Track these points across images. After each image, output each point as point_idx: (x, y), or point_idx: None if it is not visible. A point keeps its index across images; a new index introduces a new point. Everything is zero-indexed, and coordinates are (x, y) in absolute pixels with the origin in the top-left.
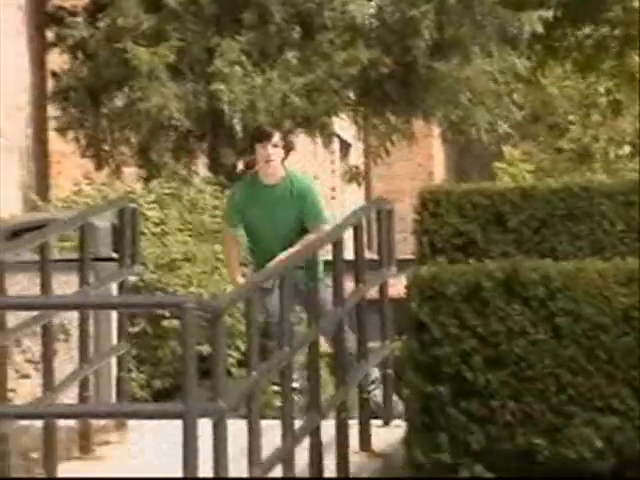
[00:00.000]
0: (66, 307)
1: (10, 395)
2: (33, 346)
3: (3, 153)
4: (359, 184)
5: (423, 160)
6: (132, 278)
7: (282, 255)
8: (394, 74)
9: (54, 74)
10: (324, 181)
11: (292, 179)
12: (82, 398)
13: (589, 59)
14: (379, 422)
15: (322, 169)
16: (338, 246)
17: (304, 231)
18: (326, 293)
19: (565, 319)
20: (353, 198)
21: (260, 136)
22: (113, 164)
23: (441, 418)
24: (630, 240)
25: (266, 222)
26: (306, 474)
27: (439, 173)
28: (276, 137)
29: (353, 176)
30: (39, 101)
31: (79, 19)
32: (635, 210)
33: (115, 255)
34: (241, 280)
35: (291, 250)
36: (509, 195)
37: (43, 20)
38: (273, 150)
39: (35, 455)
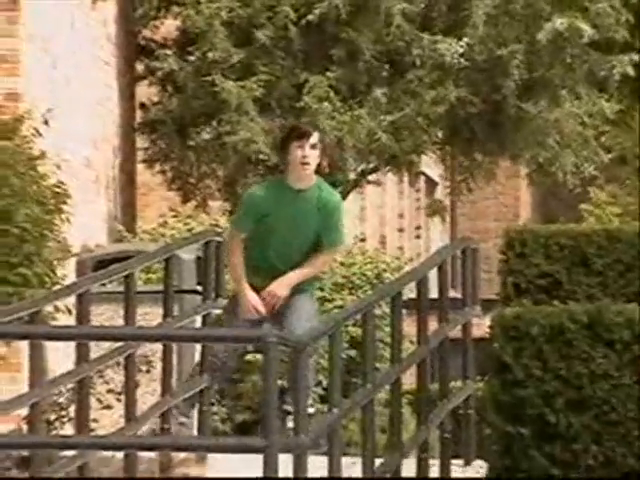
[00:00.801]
0: (149, 339)
1: (93, 425)
2: (116, 377)
3: (91, 184)
4: (443, 219)
5: (509, 201)
6: (216, 311)
7: (293, 274)
8: (482, 114)
9: (142, 106)
10: (410, 219)
11: (322, 189)
12: (163, 430)
13: None
14: (460, 461)
15: (408, 207)
16: (423, 284)
17: (314, 251)
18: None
19: None
20: (438, 237)
21: (297, 134)
22: (199, 197)
23: (523, 460)
24: None
25: (285, 230)
26: None
27: (525, 214)
28: (315, 137)
29: (437, 209)
30: (127, 133)
31: (169, 52)
32: None
33: (199, 288)
34: (248, 288)
35: (305, 271)
36: (595, 237)
37: (133, 52)
38: (310, 151)
39: None
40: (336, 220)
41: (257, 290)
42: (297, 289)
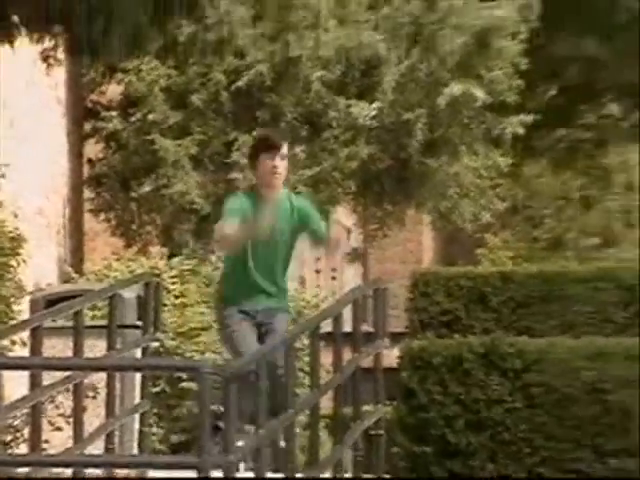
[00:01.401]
0: (95, 368)
1: (44, 445)
2: (65, 402)
3: (43, 230)
4: (362, 264)
5: (414, 245)
6: (154, 344)
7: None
8: (390, 169)
9: (89, 161)
10: (326, 262)
11: (290, 196)
12: (108, 449)
13: (564, 159)
14: (370, 476)
15: (324, 251)
16: (338, 320)
17: (288, 261)
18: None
19: (538, 389)
20: (351, 277)
21: (267, 146)
22: (140, 243)
23: (426, 476)
24: (597, 321)
25: (263, 240)
26: None
27: (427, 257)
28: (285, 148)
29: (355, 257)
30: (76, 185)
31: (114, 113)
32: (602, 294)
33: (140, 323)
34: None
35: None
36: (491, 278)
37: (81, 113)
38: (280, 162)
39: None
40: (315, 214)
41: (246, 312)
42: (280, 308)
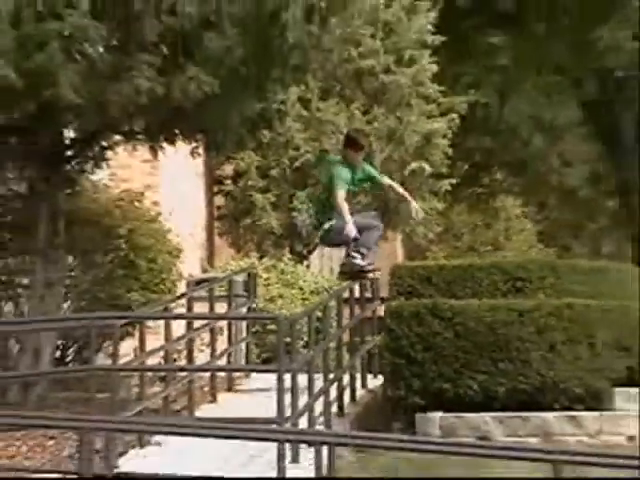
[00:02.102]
0: (221, 318)
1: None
2: (205, 337)
3: (192, 245)
4: None
5: (392, 252)
6: (253, 305)
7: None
8: (379, 208)
9: (218, 208)
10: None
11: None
12: (229, 362)
13: (473, 203)
14: (371, 375)
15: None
16: (352, 291)
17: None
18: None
19: (460, 327)
20: None
21: (357, 146)
22: (244, 251)
23: (400, 375)
24: (491, 290)
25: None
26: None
27: (400, 259)
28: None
29: None
30: (209, 220)
31: (229, 181)
32: (494, 276)
33: (245, 294)
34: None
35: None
36: (433, 268)
37: (211, 181)
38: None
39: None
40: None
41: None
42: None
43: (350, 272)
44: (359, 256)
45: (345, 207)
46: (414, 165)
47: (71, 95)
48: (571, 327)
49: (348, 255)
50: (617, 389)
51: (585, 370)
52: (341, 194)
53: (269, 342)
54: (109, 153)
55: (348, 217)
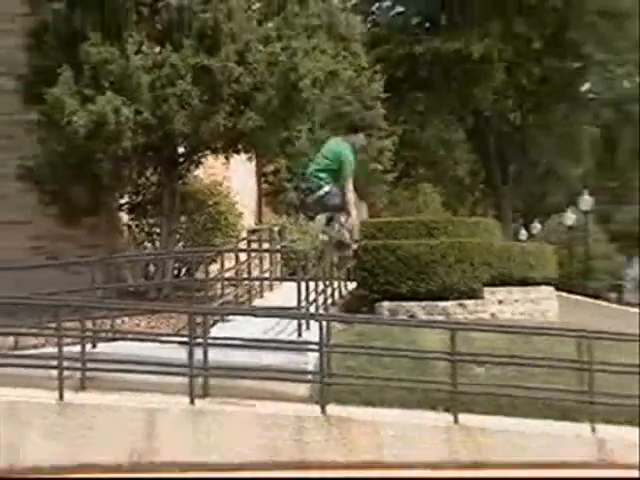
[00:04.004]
0: (266, 251)
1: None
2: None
3: (249, 210)
4: None
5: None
6: (283, 244)
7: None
8: None
9: (264, 190)
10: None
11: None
12: (270, 274)
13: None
14: (350, 283)
15: None
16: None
17: None
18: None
19: (393, 258)
20: None
21: (369, 128)
22: (279, 214)
23: (365, 282)
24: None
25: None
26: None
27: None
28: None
29: None
30: (259, 197)
31: (272, 176)
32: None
33: (279, 238)
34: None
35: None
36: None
37: (260, 177)
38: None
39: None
40: None
41: None
42: None
43: (336, 243)
44: (347, 234)
45: (352, 199)
46: (372, 165)
47: (181, 128)
48: (460, 255)
49: (338, 230)
50: (485, 288)
51: (468, 277)
52: (352, 185)
53: (292, 264)
54: (202, 160)
55: (354, 212)
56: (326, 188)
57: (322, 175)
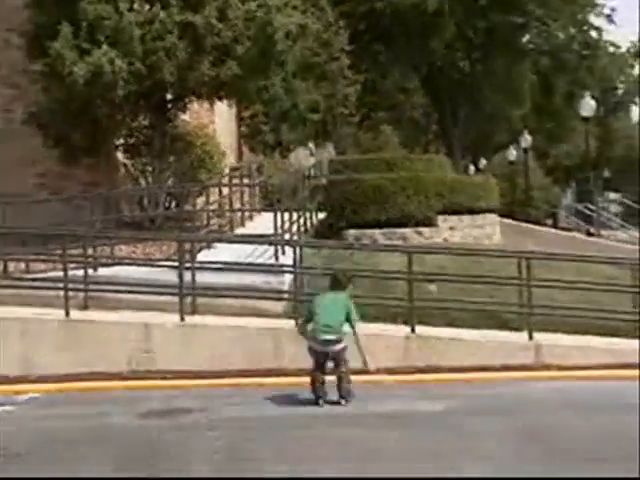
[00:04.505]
0: (246, 185)
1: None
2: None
3: (231, 149)
4: None
5: None
6: (262, 178)
7: None
8: None
9: (243, 132)
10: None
11: None
12: (251, 205)
13: None
14: (320, 213)
15: None
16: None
17: None
18: None
19: (355, 191)
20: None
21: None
22: (256, 153)
23: (333, 212)
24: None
25: None
26: None
27: None
28: None
29: None
30: (239, 138)
31: (249, 120)
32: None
33: (257, 173)
34: None
35: None
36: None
37: (239, 118)
38: None
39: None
40: None
41: None
42: None
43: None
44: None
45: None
46: (339, 110)
47: (169, 77)
48: (417, 187)
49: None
50: (438, 216)
51: (423, 207)
52: None
53: (269, 197)
54: (189, 106)
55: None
56: None
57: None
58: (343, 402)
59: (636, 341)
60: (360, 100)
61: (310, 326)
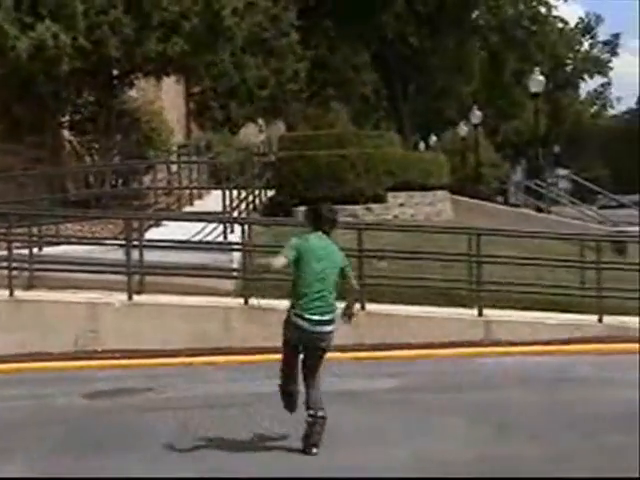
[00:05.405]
0: (194, 162)
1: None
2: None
3: (179, 126)
4: None
5: None
6: (210, 155)
7: None
8: None
9: (192, 112)
10: None
11: None
12: (199, 184)
13: None
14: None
15: None
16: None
17: None
18: None
19: (314, 167)
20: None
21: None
22: (205, 129)
23: (283, 189)
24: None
25: None
26: None
27: None
28: None
29: None
30: (187, 115)
31: (197, 96)
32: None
33: (207, 150)
34: None
35: None
36: None
37: (187, 94)
38: None
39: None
40: None
41: None
42: None
43: None
44: None
45: None
46: (289, 86)
47: (114, 53)
48: (367, 164)
49: None
50: (388, 193)
51: (374, 183)
52: None
53: (219, 173)
54: (135, 82)
55: None
56: None
57: None
58: (314, 451)
59: (585, 316)
60: (310, 76)
61: (291, 297)
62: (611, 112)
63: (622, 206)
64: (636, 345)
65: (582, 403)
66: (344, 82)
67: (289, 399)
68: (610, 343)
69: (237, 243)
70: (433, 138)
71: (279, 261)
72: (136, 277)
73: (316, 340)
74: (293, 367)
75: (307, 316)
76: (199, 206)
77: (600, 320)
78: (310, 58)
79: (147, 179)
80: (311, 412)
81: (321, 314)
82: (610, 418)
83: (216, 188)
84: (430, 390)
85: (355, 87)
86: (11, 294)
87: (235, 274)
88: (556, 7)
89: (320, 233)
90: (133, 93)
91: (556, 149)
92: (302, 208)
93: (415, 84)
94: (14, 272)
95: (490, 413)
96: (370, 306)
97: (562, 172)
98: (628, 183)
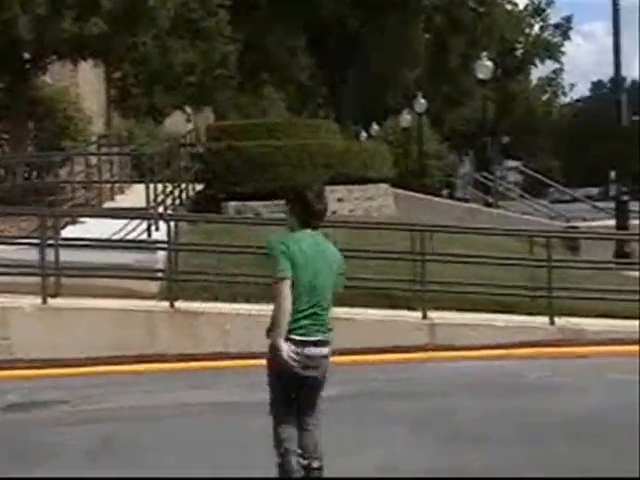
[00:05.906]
0: (116, 154)
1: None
2: (108, 167)
3: (100, 115)
4: None
5: None
6: (132, 147)
7: None
8: None
9: (113, 99)
10: None
11: None
12: (120, 177)
13: None
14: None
15: None
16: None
17: None
18: None
19: (244, 157)
20: None
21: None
22: (128, 118)
23: (212, 183)
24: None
25: None
26: None
27: None
28: None
29: None
30: (108, 103)
31: (119, 83)
32: None
33: (127, 142)
34: None
35: None
36: None
37: (109, 80)
38: None
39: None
40: None
41: None
42: None
43: None
44: None
45: None
46: (217, 72)
47: (25, 34)
48: (302, 156)
49: None
50: (326, 187)
51: (310, 176)
52: None
53: (142, 165)
54: (49, 66)
55: None
56: None
57: None
58: None
59: (532, 318)
60: (241, 60)
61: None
62: (564, 100)
63: (575, 200)
64: (588, 349)
65: (533, 411)
66: (278, 67)
67: (290, 460)
68: (563, 347)
69: (162, 241)
70: (375, 127)
71: (285, 295)
72: (51, 279)
73: (307, 368)
74: (288, 411)
75: (293, 337)
76: (121, 201)
77: (552, 322)
78: (241, 40)
79: (64, 172)
80: (303, 462)
81: (312, 334)
82: (560, 425)
83: (139, 182)
84: (372, 398)
85: (290, 72)
86: None
87: (160, 275)
88: None
89: (309, 230)
90: (47, 78)
91: (505, 139)
92: (232, 203)
93: (355, 69)
94: None
95: (431, 421)
96: None
97: (512, 164)
98: (580, 175)
